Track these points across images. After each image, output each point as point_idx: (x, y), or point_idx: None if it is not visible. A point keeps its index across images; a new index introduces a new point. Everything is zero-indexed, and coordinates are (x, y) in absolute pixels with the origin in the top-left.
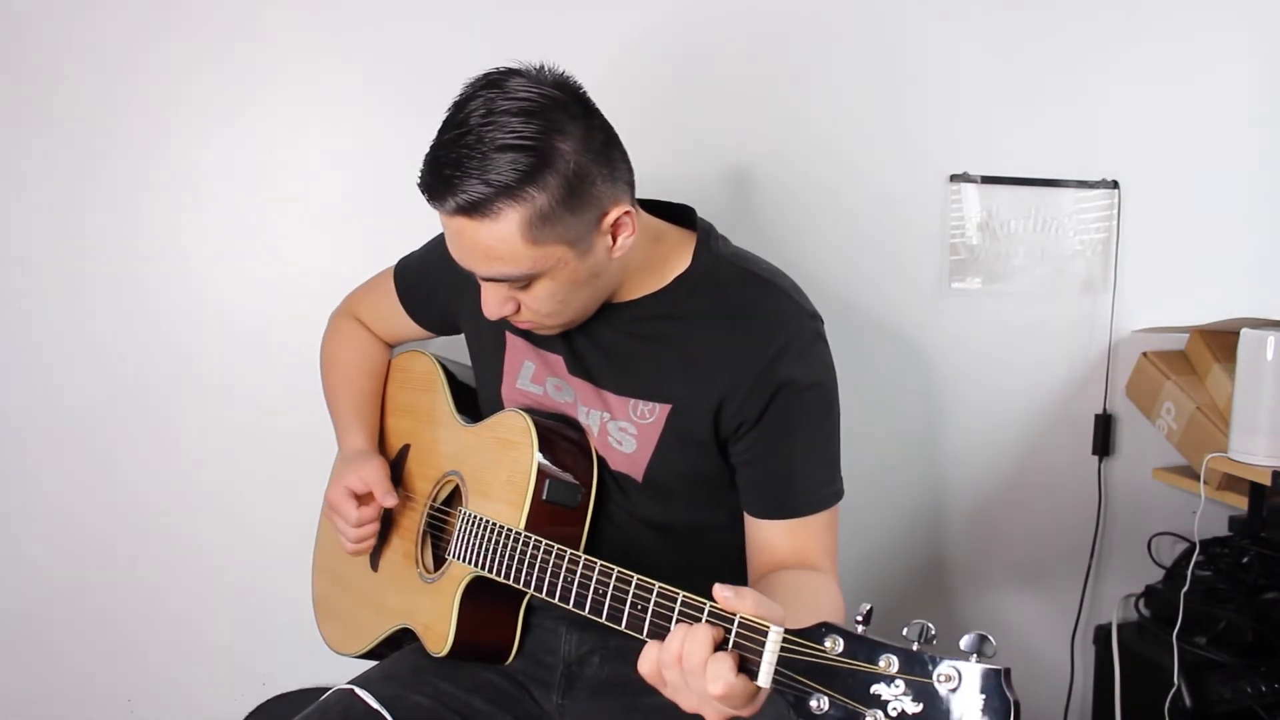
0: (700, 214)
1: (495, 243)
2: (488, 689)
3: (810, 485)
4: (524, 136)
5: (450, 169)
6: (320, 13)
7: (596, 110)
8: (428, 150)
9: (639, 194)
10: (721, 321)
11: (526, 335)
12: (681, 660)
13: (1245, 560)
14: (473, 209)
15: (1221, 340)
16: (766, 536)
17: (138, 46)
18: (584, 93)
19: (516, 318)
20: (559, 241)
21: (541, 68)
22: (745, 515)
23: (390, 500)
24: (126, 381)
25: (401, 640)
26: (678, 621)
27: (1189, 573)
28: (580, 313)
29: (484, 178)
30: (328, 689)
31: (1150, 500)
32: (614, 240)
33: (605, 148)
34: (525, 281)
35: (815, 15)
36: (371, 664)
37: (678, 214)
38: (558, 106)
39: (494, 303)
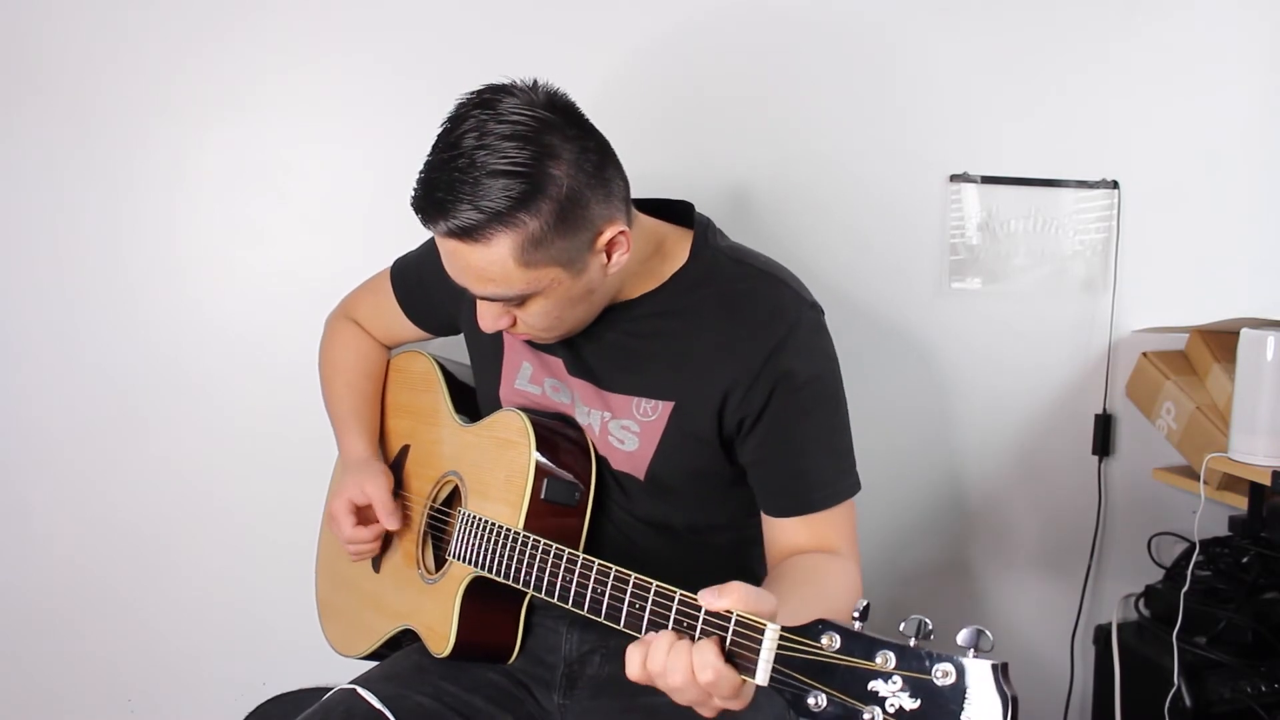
0: (700, 213)
1: (488, 265)
2: (489, 689)
3: (822, 480)
4: (517, 162)
5: (443, 192)
6: (318, 13)
7: (591, 128)
8: (421, 169)
9: (639, 194)
10: (721, 315)
11: None
12: (666, 674)
13: (1245, 560)
14: (465, 233)
15: (1221, 340)
16: (784, 532)
17: (129, 43)
18: (578, 110)
19: (513, 330)
20: (552, 264)
21: (535, 85)
22: (762, 514)
23: (393, 523)
24: (127, 382)
25: (403, 641)
26: (669, 625)
27: (1189, 573)
28: (576, 325)
29: (476, 204)
30: (328, 689)
31: (1150, 500)
32: (608, 258)
33: (599, 168)
34: (519, 301)
35: (816, 16)
36: (373, 664)
37: (676, 210)
38: (550, 129)
39: (489, 318)
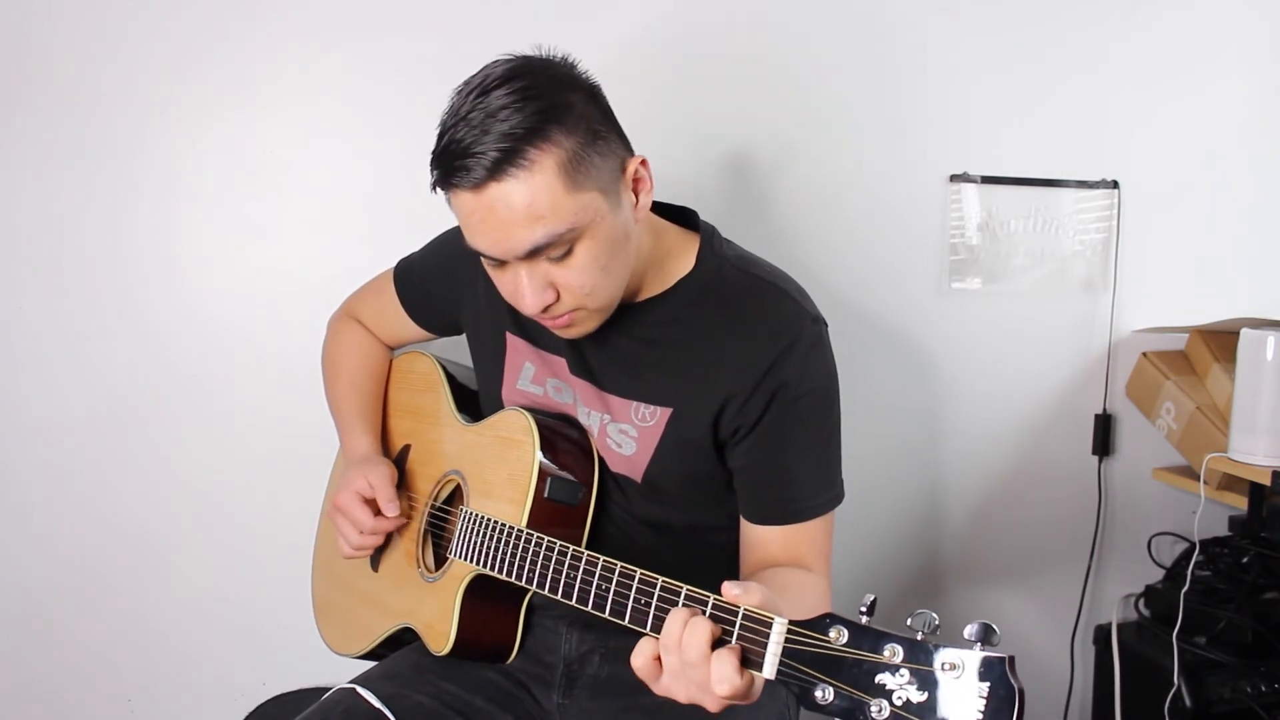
0: (701, 215)
1: (534, 197)
2: (489, 688)
3: (807, 492)
4: (529, 89)
5: (466, 144)
6: (318, 12)
7: (590, 79)
8: (432, 156)
9: None
10: (724, 325)
11: (528, 336)
12: (681, 649)
13: (1245, 560)
14: (505, 162)
15: (1221, 340)
16: (760, 538)
17: (129, 42)
18: (573, 64)
19: (557, 308)
20: (595, 188)
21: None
22: (741, 518)
23: (392, 510)
24: (127, 382)
25: (402, 640)
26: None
27: (1189, 573)
28: (617, 288)
29: (504, 131)
30: (327, 689)
31: (1150, 500)
32: (636, 198)
33: (607, 107)
34: (568, 245)
35: (816, 15)
36: (371, 664)
37: (680, 217)
38: (550, 66)
39: (533, 291)
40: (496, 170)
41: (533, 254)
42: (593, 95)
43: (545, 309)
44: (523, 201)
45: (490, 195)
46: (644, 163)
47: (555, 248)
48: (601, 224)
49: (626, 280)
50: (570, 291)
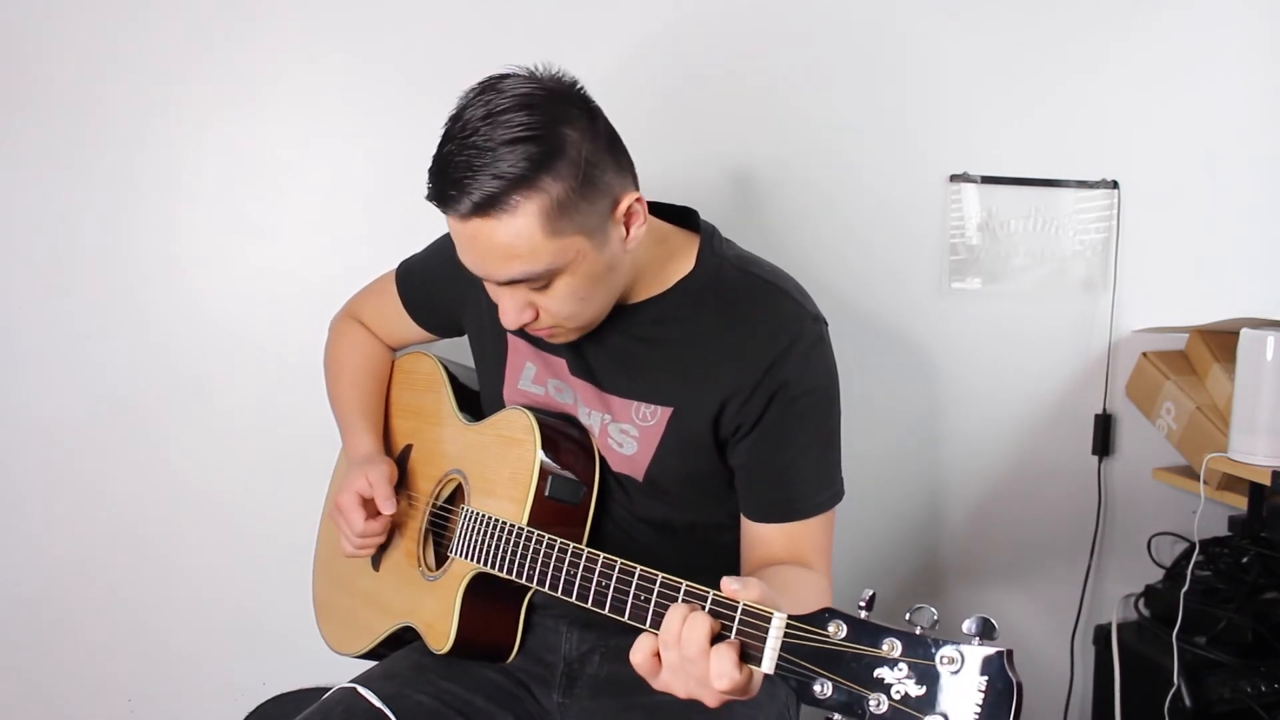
0: (702, 216)
1: (514, 239)
2: (489, 687)
3: (807, 490)
4: (530, 128)
5: (460, 172)
6: (319, 12)
7: (596, 106)
8: (431, 162)
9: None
10: (724, 324)
11: (529, 338)
12: (680, 644)
13: (1245, 560)
14: (489, 204)
15: (1221, 340)
16: (761, 536)
17: (129, 43)
18: (581, 88)
19: (535, 325)
20: (577, 232)
21: (536, 68)
22: (741, 516)
23: (388, 508)
24: (127, 382)
25: (402, 639)
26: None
27: (1189, 573)
28: (599, 312)
29: (495, 172)
30: (328, 689)
31: (1150, 500)
32: (627, 231)
33: (610, 138)
34: (545, 281)
35: (816, 16)
36: (372, 664)
37: (681, 216)
38: (557, 98)
39: (513, 310)
40: (479, 209)
41: (511, 283)
42: (594, 127)
43: (525, 324)
44: (502, 241)
45: (473, 227)
46: (639, 199)
47: (533, 282)
48: (582, 263)
49: (611, 303)
50: (549, 314)
